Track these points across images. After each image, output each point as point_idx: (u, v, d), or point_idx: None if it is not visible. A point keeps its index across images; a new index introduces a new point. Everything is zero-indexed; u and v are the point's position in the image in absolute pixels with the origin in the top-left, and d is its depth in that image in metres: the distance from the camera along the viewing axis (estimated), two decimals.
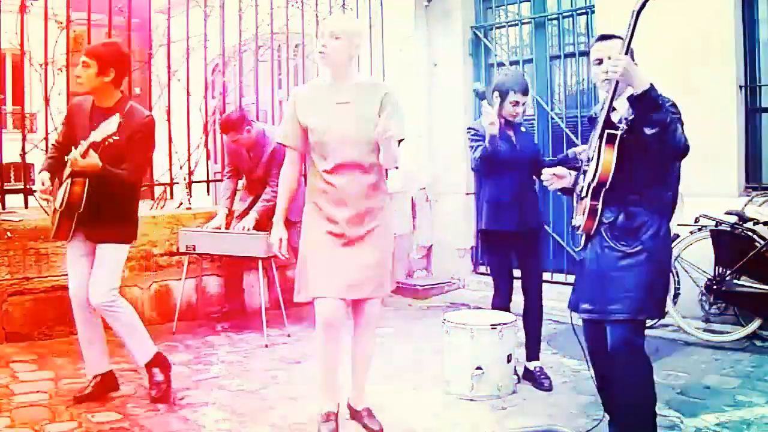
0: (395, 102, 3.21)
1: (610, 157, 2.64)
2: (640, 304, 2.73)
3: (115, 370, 4.10)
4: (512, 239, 3.99)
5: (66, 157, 3.44)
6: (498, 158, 3.83)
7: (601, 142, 2.67)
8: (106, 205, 3.50)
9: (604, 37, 2.88)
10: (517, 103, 3.91)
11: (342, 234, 3.15)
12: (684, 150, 2.65)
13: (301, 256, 3.25)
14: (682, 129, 2.64)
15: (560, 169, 3.06)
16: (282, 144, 3.30)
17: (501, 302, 4.04)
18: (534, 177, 3.97)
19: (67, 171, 3.46)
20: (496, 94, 3.94)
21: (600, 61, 2.83)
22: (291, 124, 3.21)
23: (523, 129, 4.10)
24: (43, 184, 3.50)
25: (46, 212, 4.94)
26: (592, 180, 2.70)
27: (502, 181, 3.95)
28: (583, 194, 2.80)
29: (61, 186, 3.50)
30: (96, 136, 3.29)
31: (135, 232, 3.72)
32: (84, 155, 3.31)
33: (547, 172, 3.07)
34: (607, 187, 2.69)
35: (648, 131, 2.58)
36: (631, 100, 2.61)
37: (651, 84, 2.55)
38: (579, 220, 2.85)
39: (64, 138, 3.63)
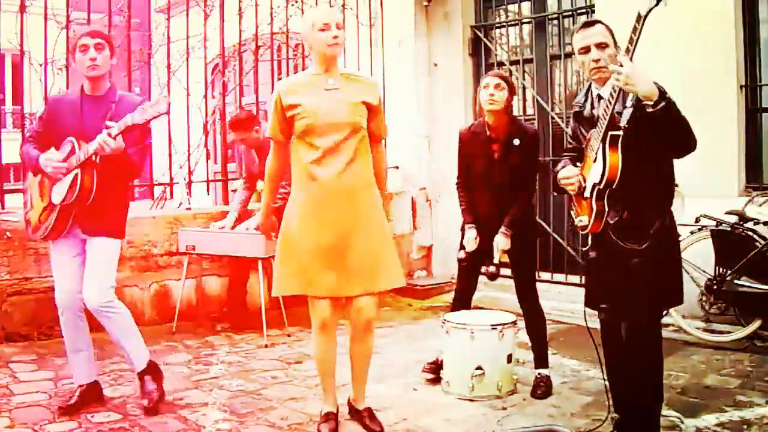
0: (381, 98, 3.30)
1: (615, 160, 2.61)
2: (656, 301, 2.73)
3: (115, 370, 4.13)
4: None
5: (96, 140, 3.16)
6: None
7: (605, 144, 2.63)
8: (105, 195, 3.29)
9: (588, 24, 2.78)
10: (488, 86, 3.68)
11: (329, 227, 3.08)
12: (695, 148, 2.64)
13: (283, 248, 3.15)
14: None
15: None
16: (270, 137, 3.22)
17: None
18: (517, 192, 3.77)
19: (74, 162, 3.23)
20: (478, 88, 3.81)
21: (586, 50, 2.74)
22: (276, 118, 3.17)
23: (516, 142, 3.73)
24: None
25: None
26: (599, 182, 2.66)
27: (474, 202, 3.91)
28: (586, 194, 2.76)
29: (61, 181, 3.27)
30: (131, 119, 3.11)
31: (125, 229, 3.52)
32: (116, 137, 3.11)
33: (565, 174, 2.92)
34: (613, 188, 2.65)
35: (666, 138, 2.57)
36: (646, 114, 2.49)
37: (660, 91, 2.46)
38: (584, 220, 2.80)
39: (45, 135, 3.38)
